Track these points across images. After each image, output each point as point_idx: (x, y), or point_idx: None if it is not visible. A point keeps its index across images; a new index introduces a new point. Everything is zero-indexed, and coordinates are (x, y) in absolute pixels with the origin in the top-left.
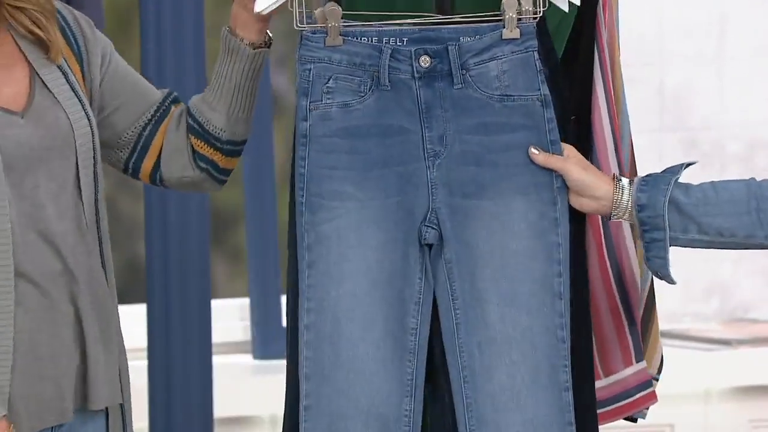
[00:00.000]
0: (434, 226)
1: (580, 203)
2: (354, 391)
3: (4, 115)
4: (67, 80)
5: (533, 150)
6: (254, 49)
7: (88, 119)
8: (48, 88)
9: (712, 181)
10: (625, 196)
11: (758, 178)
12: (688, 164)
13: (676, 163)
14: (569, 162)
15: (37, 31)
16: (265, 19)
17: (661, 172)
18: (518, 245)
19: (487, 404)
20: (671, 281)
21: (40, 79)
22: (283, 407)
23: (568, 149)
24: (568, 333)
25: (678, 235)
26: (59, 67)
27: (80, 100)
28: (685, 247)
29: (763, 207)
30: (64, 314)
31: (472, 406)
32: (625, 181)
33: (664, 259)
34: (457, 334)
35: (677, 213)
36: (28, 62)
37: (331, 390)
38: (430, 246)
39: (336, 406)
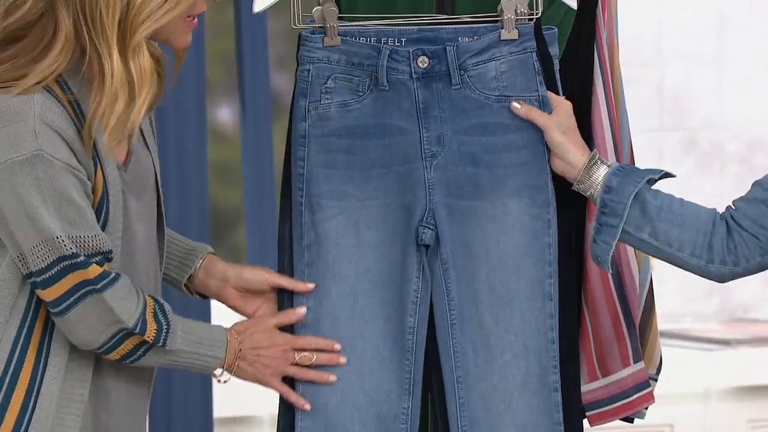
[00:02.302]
0: (431, 227)
1: (552, 162)
2: (352, 390)
3: (114, 168)
4: (150, 121)
5: (515, 104)
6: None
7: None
8: (141, 132)
9: (681, 198)
10: (597, 173)
11: (757, 179)
12: (668, 174)
13: (668, 169)
14: (551, 120)
15: None
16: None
17: (641, 169)
18: (513, 246)
19: (479, 405)
20: (607, 269)
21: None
22: (278, 406)
23: (562, 106)
24: (557, 334)
25: (631, 230)
26: None
27: (155, 138)
28: (631, 245)
29: (716, 232)
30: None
31: (464, 407)
32: (606, 163)
33: (609, 246)
34: (451, 334)
35: (639, 209)
36: None
37: (328, 389)
38: (427, 246)
39: (333, 405)
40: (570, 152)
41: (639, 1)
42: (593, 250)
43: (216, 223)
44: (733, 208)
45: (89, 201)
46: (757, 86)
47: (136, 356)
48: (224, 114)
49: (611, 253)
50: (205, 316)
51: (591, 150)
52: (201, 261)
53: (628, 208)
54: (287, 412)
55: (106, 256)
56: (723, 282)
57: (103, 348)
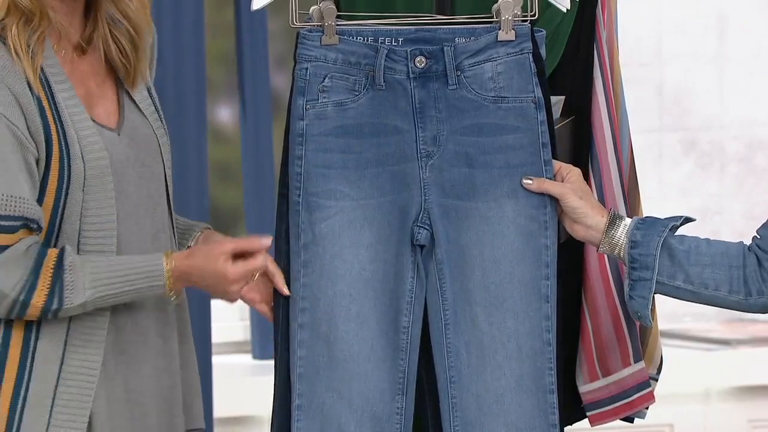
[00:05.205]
0: (426, 227)
1: (572, 228)
2: (348, 391)
3: (106, 132)
4: (150, 95)
5: (526, 180)
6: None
7: (167, 136)
8: (135, 104)
9: (707, 238)
10: (620, 232)
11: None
12: (688, 219)
13: (674, 215)
14: (566, 188)
15: (121, 58)
16: None
17: (661, 218)
18: (507, 248)
19: (471, 405)
20: (648, 323)
21: (128, 95)
22: (271, 407)
23: (573, 173)
24: (554, 336)
25: (664, 280)
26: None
27: (160, 117)
28: (668, 295)
29: (747, 264)
30: (150, 329)
31: (457, 407)
32: (627, 219)
33: (647, 300)
34: (445, 334)
35: (668, 258)
36: (117, 77)
37: (324, 389)
38: (422, 246)
39: (329, 405)
40: (589, 216)
41: (639, 1)
42: (631, 307)
43: (216, 223)
44: (758, 237)
45: (25, 165)
46: (757, 86)
47: (52, 315)
48: (224, 114)
49: (649, 307)
50: (205, 315)
51: (591, 153)
52: (199, 233)
53: (657, 258)
54: (282, 412)
55: (26, 224)
56: (767, 313)
57: (13, 314)
